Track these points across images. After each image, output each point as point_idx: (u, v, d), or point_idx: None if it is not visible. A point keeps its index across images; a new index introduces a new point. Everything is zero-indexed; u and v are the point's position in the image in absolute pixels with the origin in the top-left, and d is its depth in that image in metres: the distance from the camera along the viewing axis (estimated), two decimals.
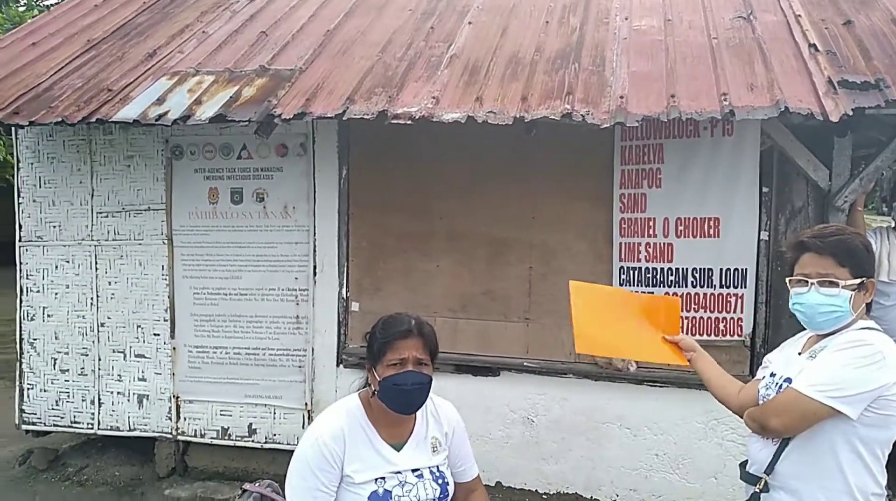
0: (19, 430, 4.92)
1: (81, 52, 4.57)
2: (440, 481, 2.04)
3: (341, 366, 4.36)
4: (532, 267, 4.15)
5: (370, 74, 3.85)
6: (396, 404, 1.97)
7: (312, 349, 4.37)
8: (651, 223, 3.87)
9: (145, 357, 4.58)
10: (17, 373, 4.84)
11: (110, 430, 4.68)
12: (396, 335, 1.97)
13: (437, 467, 2.07)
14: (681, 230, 3.84)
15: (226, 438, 4.49)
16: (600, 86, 3.46)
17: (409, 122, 3.42)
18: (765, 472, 2.10)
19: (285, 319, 4.40)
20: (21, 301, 4.79)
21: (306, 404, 4.37)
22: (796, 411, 1.99)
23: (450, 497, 2.08)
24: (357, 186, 4.37)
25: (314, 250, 4.36)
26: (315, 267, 4.36)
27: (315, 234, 4.36)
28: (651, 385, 3.94)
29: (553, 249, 4.12)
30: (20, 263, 4.79)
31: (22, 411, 4.84)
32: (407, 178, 4.31)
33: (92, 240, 4.63)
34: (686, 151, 3.83)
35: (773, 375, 2.17)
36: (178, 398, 4.54)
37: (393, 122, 3.44)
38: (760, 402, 2.17)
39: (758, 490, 2.12)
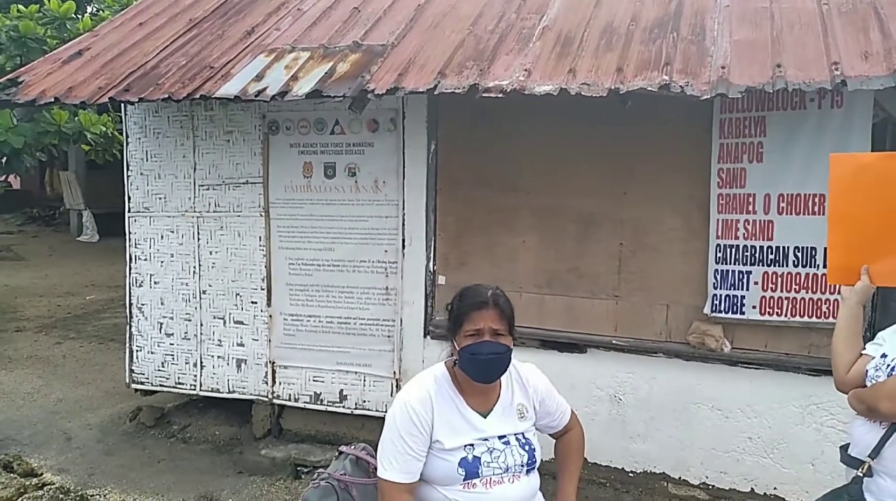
0: (129, 389, 5.28)
1: (184, 31, 4.77)
2: (527, 448, 2.08)
3: (428, 337, 4.43)
4: (623, 244, 4.07)
5: (461, 47, 3.84)
6: (475, 372, 2.01)
7: (400, 320, 4.47)
8: (751, 199, 3.73)
9: (243, 324, 4.81)
10: (127, 336, 5.17)
11: (211, 392, 4.96)
12: (472, 306, 2.02)
13: (524, 434, 2.10)
14: (782, 207, 3.68)
15: (318, 403, 4.66)
16: (700, 56, 3.33)
17: (500, 95, 3.40)
18: (869, 456, 2.04)
19: (375, 290, 4.51)
20: (130, 269, 5.10)
21: (394, 372, 4.48)
22: None
23: (537, 464, 2.11)
24: (445, 161, 4.40)
25: (403, 224, 4.43)
26: (404, 240, 4.44)
27: (404, 208, 4.43)
28: (745, 367, 3.83)
29: (645, 225, 4.03)
30: (129, 232, 5.09)
31: (131, 371, 5.17)
32: (495, 152, 4.30)
33: (194, 212, 4.87)
34: (791, 124, 3.65)
35: (884, 356, 2.08)
36: (273, 363, 4.75)
37: (484, 95, 3.43)
38: (868, 383, 2.09)
39: (860, 474, 2.06)
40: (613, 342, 4.07)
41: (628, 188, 4.05)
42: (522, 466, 2.05)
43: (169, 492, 4.20)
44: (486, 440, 2.03)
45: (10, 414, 5.40)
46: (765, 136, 3.69)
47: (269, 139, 4.65)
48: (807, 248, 3.66)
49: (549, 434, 2.28)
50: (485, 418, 2.06)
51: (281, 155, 4.63)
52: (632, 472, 4.11)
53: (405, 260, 4.45)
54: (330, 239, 4.56)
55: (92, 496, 4.04)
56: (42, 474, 4.33)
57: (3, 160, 8.09)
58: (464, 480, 1.98)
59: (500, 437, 2.05)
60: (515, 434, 2.08)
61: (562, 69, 3.44)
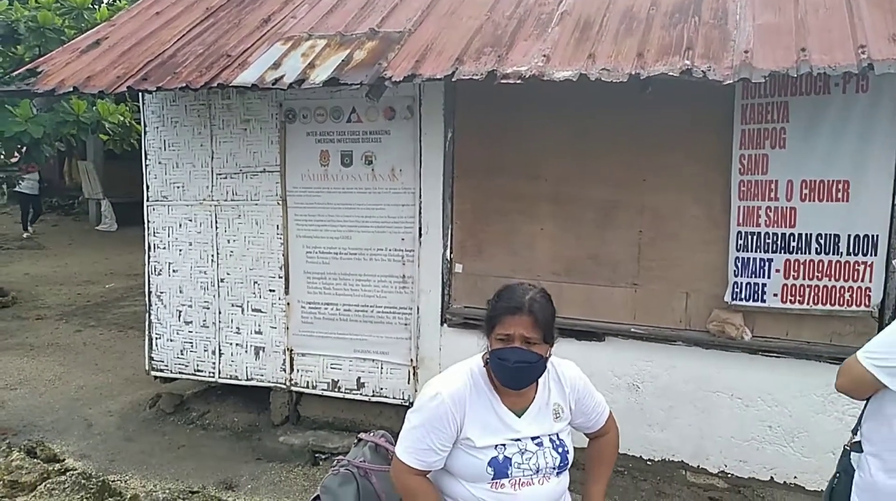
0: (148, 376, 5.34)
1: (201, 20, 4.77)
2: (560, 449, 2.02)
3: (445, 325, 4.43)
4: (642, 231, 4.04)
5: (479, 33, 3.81)
6: (502, 378, 1.95)
7: (417, 308, 4.47)
8: (773, 186, 3.68)
9: (261, 312, 4.83)
10: (147, 324, 5.22)
11: (229, 379, 4.99)
12: (506, 311, 1.93)
13: (557, 434, 2.04)
14: (805, 194, 3.63)
15: (336, 390, 4.69)
16: (722, 40, 3.28)
17: (518, 81, 3.36)
18: (852, 430, 2.21)
19: (392, 278, 4.51)
20: (149, 257, 5.14)
21: (412, 360, 4.49)
22: (851, 374, 2.09)
23: (569, 465, 2.06)
24: (462, 149, 4.38)
25: (419, 212, 4.42)
26: (420, 229, 4.43)
27: (420, 196, 4.42)
28: (766, 355, 3.79)
29: (665, 213, 3.99)
30: (148, 221, 5.13)
31: (151, 358, 5.22)
32: (512, 140, 4.28)
33: (212, 200, 4.89)
34: (814, 109, 3.59)
35: None
36: (291, 350, 4.77)
37: (502, 82, 3.40)
38: None
39: (847, 447, 2.22)
40: (632, 330, 4.05)
41: (648, 175, 4.01)
42: (554, 468, 1.99)
43: (189, 478, 4.25)
44: (518, 440, 1.98)
45: (32, 401, 5.48)
46: (787, 121, 3.64)
47: (286, 128, 4.65)
48: (830, 235, 3.61)
49: (584, 434, 2.24)
50: (519, 417, 2.01)
51: (298, 143, 4.63)
52: (650, 460, 4.09)
53: (422, 248, 4.44)
54: (347, 227, 4.57)
55: (113, 481, 4.08)
56: (64, 459, 4.39)
57: (24, 150, 8.16)
58: (492, 479, 1.94)
59: (534, 438, 2.00)
60: (549, 435, 2.02)
61: (581, 55, 3.41)
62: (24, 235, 13.51)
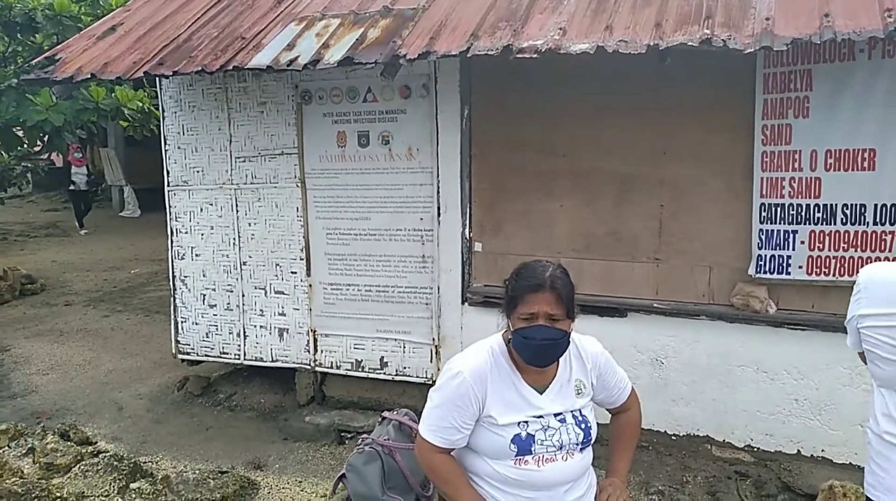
0: (175, 359, 5.42)
1: (215, 2, 4.75)
2: (583, 425, 2.02)
3: (466, 304, 4.43)
4: (663, 205, 3.99)
5: (493, 7, 3.76)
6: (527, 356, 1.95)
7: (438, 288, 4.47)
8: (797, 156, 3.60)
9: (284, 294, 4.87)
10: (172, 308, 5.29)
11: (255, 361, 5.05)
12: (528, 289, 1.91)
13: (580, 410, 2.04)
14: (830, 163, 3.55)
15: (359, 370, 4.73)
16: (743, 7, 3.20)
17: (534, 55, 3.32)
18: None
19: (412, 258, 4.51)
20: (172, 242, 5.20)
21: (433, 339, 4.50)
22: None
23: (592, 441, 2.06)
24: (479, 126, 4.35)
25: (437, 192, 4.41)
26: (439, 208, 4.41)
27: (438, 175, 4.39)
28: (791, 328, 3.75)
29: (685, 186, 3.94)
30: (169, 206, 5.17)
31: (177, 342, 5.30)
32: (529, 115, 4.23)
33: (232, 184, 4.91)
34: (838, 76, 3.50)
35: None
36: (315, 331, 4.81)
37: (518, 56, 3.35)
38: None
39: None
40: (654, 305, 4.03)
41: (668, 148, 3.95)
42: (577, 444, 1.99)
43: (218, 458, 4.33)
44: (541, 417, 1.97)
45: (64, 385, 5.60)
46: (811, 90, 3.56)
47: (303, 109, 4.64)
48: (856, 205, 3.54)
49: (606, 410, 2.24)
50: (541, 394, 2.00)
51: (315, 125, 4.63)
52: (674, 435, 4.09)
53: (441, 228, 4.43)
54: (366, 208, 4.57)
55: (145, 462, 4.17)
56: (97, 442, 4.49)
57: (45, 138, 8.25)
58: (515, 456, 1.94)
59: (556, 414, 1.99)
60: (572, 411, 2.02)
61: (598, 26, 3.35)
62: (83, 232, 13.13)
